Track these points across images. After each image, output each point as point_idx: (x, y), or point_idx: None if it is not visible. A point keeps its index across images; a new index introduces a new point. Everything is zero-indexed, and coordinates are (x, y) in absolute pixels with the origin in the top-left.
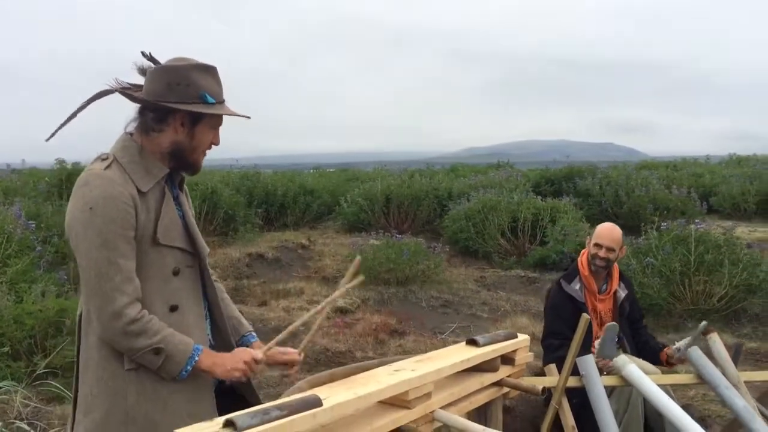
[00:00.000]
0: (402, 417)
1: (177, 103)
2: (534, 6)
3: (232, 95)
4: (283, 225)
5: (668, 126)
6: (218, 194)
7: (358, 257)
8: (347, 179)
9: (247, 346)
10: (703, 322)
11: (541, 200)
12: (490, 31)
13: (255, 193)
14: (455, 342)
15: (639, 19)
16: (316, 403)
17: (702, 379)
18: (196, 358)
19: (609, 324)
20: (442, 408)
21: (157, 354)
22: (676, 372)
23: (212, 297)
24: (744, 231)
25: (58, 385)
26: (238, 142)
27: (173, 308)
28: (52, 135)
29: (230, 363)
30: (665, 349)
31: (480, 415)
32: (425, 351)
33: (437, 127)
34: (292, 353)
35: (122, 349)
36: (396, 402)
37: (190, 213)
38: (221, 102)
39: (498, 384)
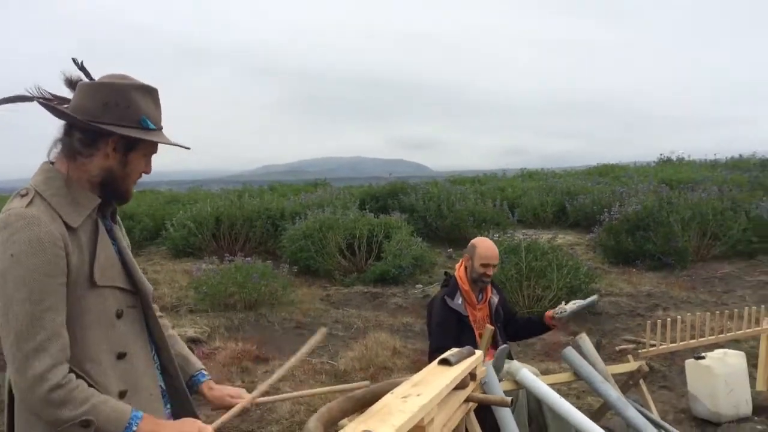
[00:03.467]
0: None
1: (114, 125)
2: (324, 25)
3: None
4: None
5: (451, 143)
6: None
7: (323, 330)
8: (167, 202)
9: (198, 386)
10: (595, 296)
11: (375, 217)
12: (283, 49)
13: None
14: (322, 363)
15: (424, 41)
16: None
17: (579, 377)
18: (134, 428)
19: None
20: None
21: (85, 427)
22: (558, 373)
23: (159, 339)
24: (547, 238)
25: None
26: (5, 164)
27: (120, 356)
28: None
29: None
30: (547, 312)
31: None
32: (297, 376)
33: (233, 145)
34: (243, 405)
35: (46, 421)
36: (413, 430)
37: (127, 247)
38: (160, 128)
39: (466, 400)
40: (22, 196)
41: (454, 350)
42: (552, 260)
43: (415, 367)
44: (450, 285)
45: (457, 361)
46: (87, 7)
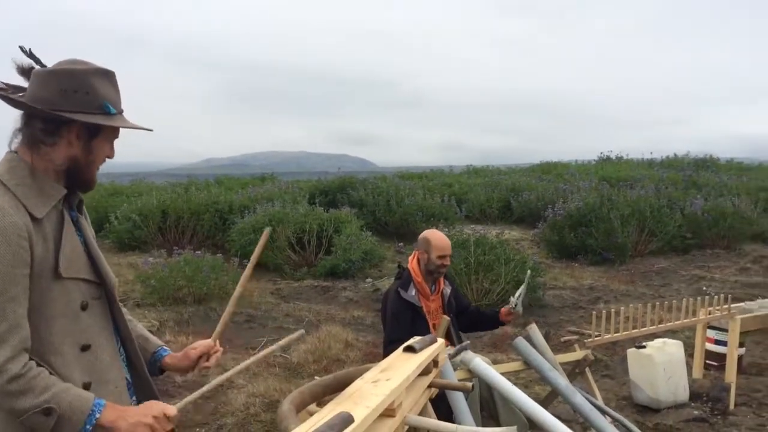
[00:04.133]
0: (392, 425)
1: (75, 112)
2: (270, 18)
3: None
4: None
5: (393, 139)
6: None
7: (267, 229)
8: (110, 194)
9: (161, 361)
10: (528, 271)
11: (324, 211)
12: (225, 40)
13: None
14: (275, 356)
15: (365, 37)
16: (351, 419)
17: (529, 365)
18: (97, 415)
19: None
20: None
21: (47, 415)
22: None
23: (124, 331)
24: (495, 233)
25: None
26: None
27: (85, 348)
28: None
29: (136, 417)
30: (503, 309)
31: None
32: (251, 369)
33: (173, 138)
34: (204, 344)
35: (6, 411)
36: (385, 412)
37: (93, 238)
38: (121, 112)
39: (429, 385)
40: None
41: (418, 338)
42: (500, 255)
43: (368, 359)
44: (403, 277)
45: (421, 348)
46: None
